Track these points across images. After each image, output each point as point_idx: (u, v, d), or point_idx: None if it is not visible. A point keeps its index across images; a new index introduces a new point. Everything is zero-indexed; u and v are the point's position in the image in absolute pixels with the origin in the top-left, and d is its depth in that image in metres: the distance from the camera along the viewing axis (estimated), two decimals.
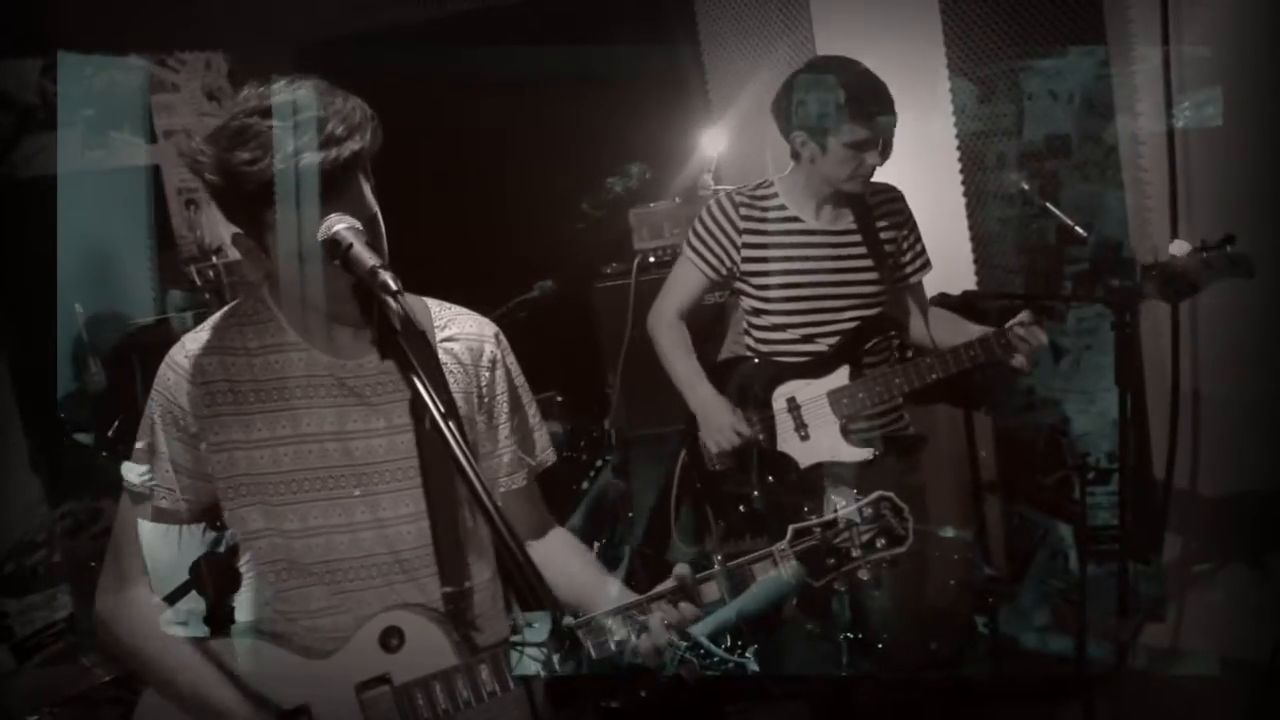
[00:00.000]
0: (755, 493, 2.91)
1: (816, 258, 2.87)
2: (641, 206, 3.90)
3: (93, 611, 1.77)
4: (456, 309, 1.86)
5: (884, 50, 3.72)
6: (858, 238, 2.89)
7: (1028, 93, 3.59)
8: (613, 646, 1.63)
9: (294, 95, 1.55)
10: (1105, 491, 3.61)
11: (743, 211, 2.89)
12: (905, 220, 2.98)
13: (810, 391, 2.89)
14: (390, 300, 1.47)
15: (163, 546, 1.71)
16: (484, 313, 1.90)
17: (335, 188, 1.54)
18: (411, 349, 1.49)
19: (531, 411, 1.93)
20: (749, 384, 2.96)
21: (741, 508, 2.94)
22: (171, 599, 1.68)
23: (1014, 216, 3.70)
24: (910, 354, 3.05)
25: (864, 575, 1.73)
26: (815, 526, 1.74)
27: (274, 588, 1.73)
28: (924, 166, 3.84)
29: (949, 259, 3.82)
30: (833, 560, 1.72)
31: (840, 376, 2.87)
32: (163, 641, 1.70)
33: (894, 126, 2.75)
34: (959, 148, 3.83)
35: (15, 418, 3.66)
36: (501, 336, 1.88)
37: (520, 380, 1.90)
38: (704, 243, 2.92)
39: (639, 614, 1.65)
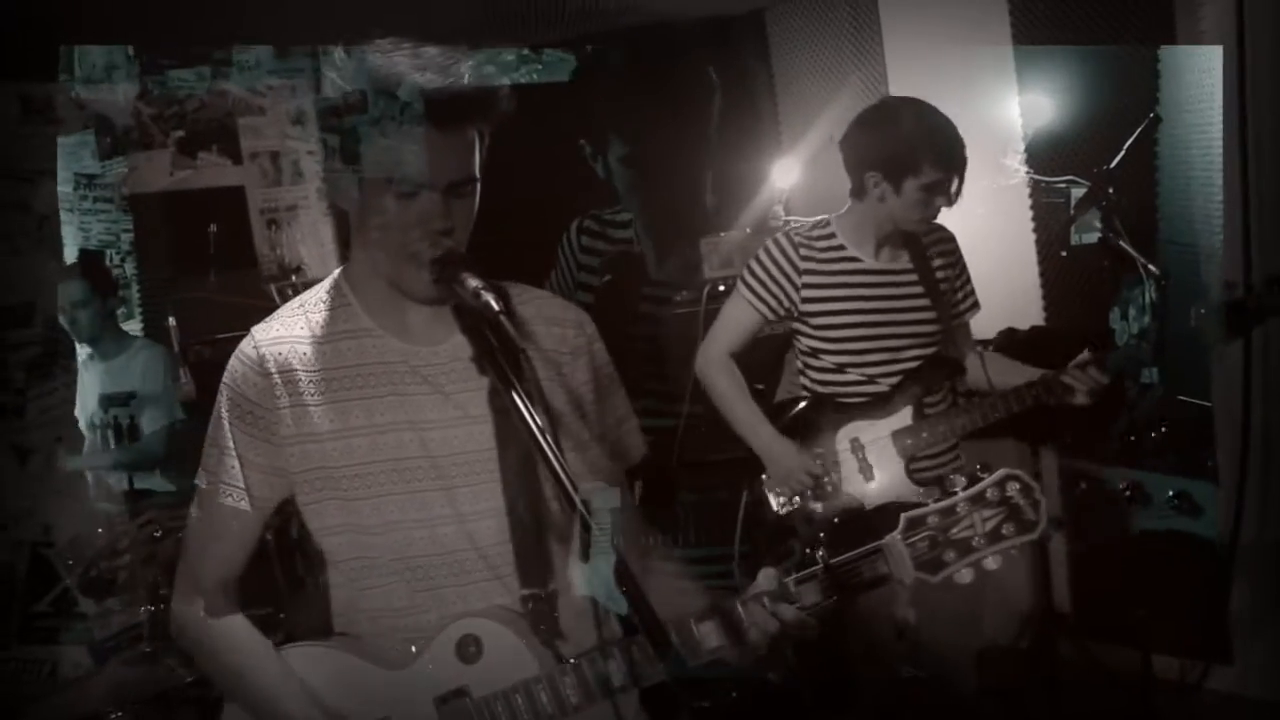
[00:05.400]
0: (821, 534, 2.84)
1: (877, 297, 2.83)
2: (712, 236, 3.89)
3: (169, 614, 1.77)
4: (537, 291, 1.77)
5: (957, 80, 3.75)
6: (915, 277, 2.86)
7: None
8: (705, 655, 1.56)
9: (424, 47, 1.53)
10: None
11: (802, 251, 2.84)
12: (956, 260, 2.96)
13: (874, 432, 2.85)
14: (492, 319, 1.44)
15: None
16: None
17: (448, 125, 1.51)
18: (510, 366, 1.44)
19: (619, 400, 1.82)
20: (811, 425, 2.91)
21: (809, 550, 2.86)
22: None
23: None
24: (964, 395, 3.00)
25: (992, 565, 1.52)
26: (931, 515, 1.54)
27: (354, 586, 1.68)
28: (995, 211, 3.84)
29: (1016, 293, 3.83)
30: (952, 554, 1.52)
31: (904, 417, 2.85)
32: (238, 654, 1.68)
33: (965, 170, 2.71)
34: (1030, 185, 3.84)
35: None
36: (588, 322, 1.78)
37: (609, 370, 1.80)
38: (762, 283, 2.87)
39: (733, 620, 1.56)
